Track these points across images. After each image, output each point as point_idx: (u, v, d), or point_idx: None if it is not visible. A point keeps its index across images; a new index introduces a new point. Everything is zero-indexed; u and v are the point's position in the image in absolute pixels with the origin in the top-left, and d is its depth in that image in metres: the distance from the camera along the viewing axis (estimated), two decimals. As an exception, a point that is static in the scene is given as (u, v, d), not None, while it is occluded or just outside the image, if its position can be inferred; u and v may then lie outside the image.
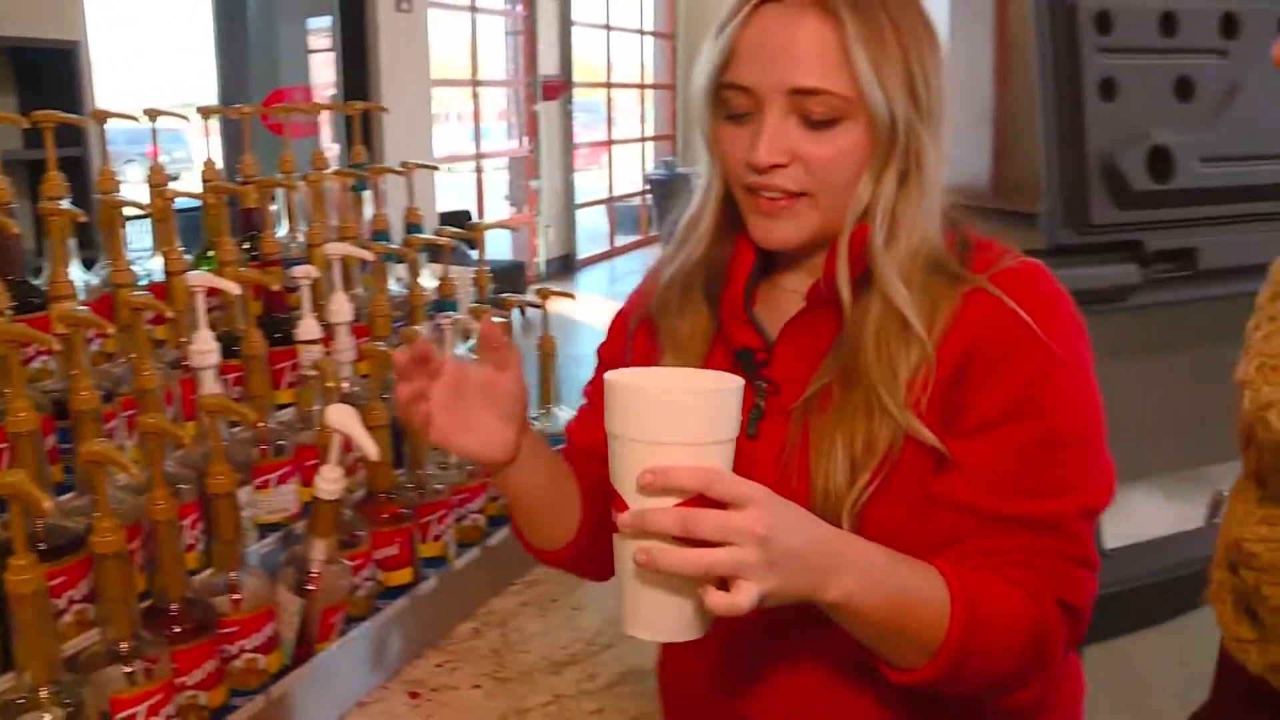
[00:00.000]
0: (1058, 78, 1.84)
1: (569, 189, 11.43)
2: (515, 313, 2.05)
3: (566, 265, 11.58)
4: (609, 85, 12.58)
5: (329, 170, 1.93)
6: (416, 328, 1.79)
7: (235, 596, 1.31)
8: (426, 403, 1.04)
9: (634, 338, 1.26)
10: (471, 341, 1.87)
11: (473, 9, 9.44)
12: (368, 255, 1.71)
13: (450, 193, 10.13)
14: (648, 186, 12.80)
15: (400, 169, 2.00)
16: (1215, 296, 2.07)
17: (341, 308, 1.64)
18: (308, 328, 1.58)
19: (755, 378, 1.14)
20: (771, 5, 1.06)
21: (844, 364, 1.09)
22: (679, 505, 0.88)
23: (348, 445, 1.33)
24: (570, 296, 1.89)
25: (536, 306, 1.87)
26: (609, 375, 0.94)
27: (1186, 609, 2.11)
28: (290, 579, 1.39)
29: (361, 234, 1.94)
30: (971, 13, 2.03)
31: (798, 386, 1.12)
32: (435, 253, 1.98)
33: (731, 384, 0.92)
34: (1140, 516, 2.25)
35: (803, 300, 1.13)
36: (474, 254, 2.10)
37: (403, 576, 1.57)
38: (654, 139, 13.63)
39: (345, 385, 1.66)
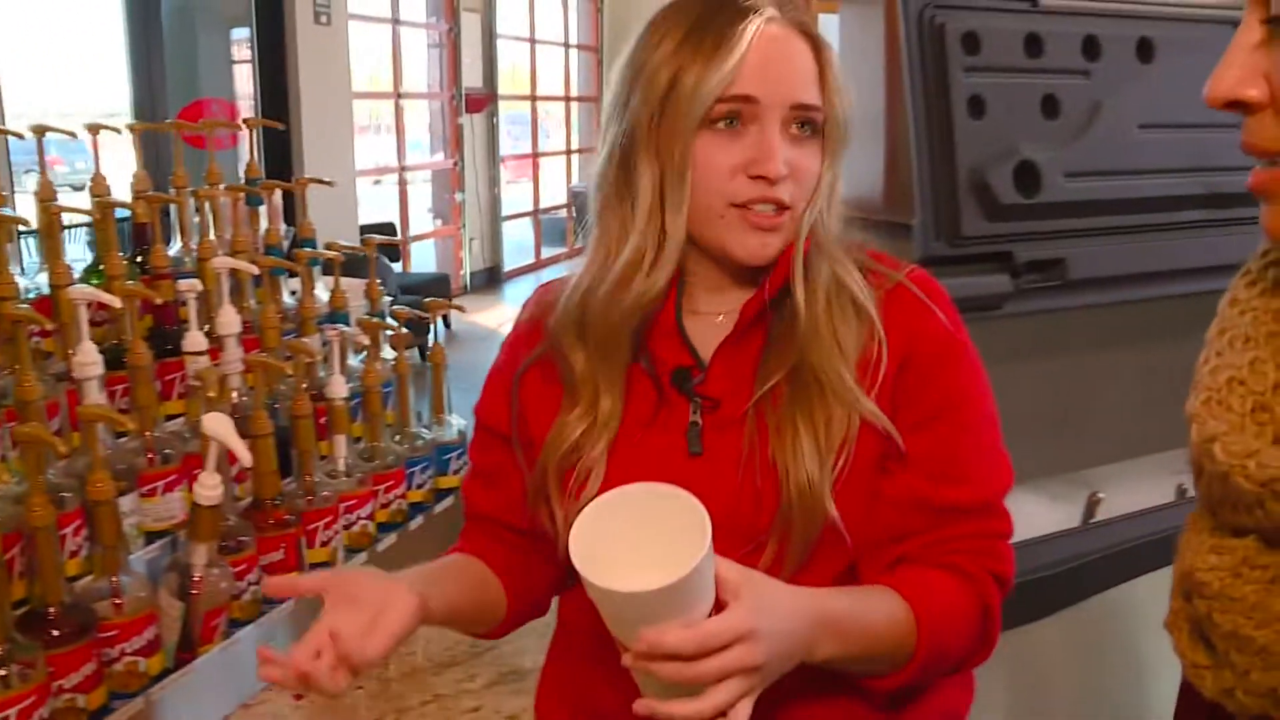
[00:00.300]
0: (928, 96, 1.92)
1: (494, 202, 11.45)
2: (440, 322, 2.07)
3: (492, 277, 11.60)
4: (534, 98, 12.62)
5: (221, 185, 1.96)
6: (305, 341, 1.83)
7: (117, 601, 1.35)
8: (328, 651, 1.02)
9: (521, 383, 1.26)
10: (362, 355, 1.91)
11: (395, 22, 9.45)
12: (253, 269, 1.75)
13: (377, 205, 10.13)
14: (573, 199, 12.87)
15: (293, 184, 2.04)
16: (1084, 305, 2.16)
17: (229, 320, 1.68)
18: (194, 340, 1.62)
19: (693, 395, 1.18)
20: (768, 24, 1.12)
21: (792, 359, 1.15)
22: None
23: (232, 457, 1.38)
24: (459, 309, 1.94)
25: (424, 318, 1.92)
26: (581, 564, 0.95)
27: (1065, 604, 2.19)
28: (173, 583, 1.43)
29: (255, 247, 1.97)
30: (863, 33, 2.10)
31: (736, 399, 1.17)
32: (354, 265, 2.02)
33: (701, 534, 0.94)
34: (1019, 517, 2.33)
35: (721, 322, 1.19)
36: (396, 266, 2.14)
37: (264, 589, 1.61)
38: (580, 152, 13.69)
39: (234, 395, 1.70)
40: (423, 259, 10.67)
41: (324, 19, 6.75)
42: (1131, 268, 2.17)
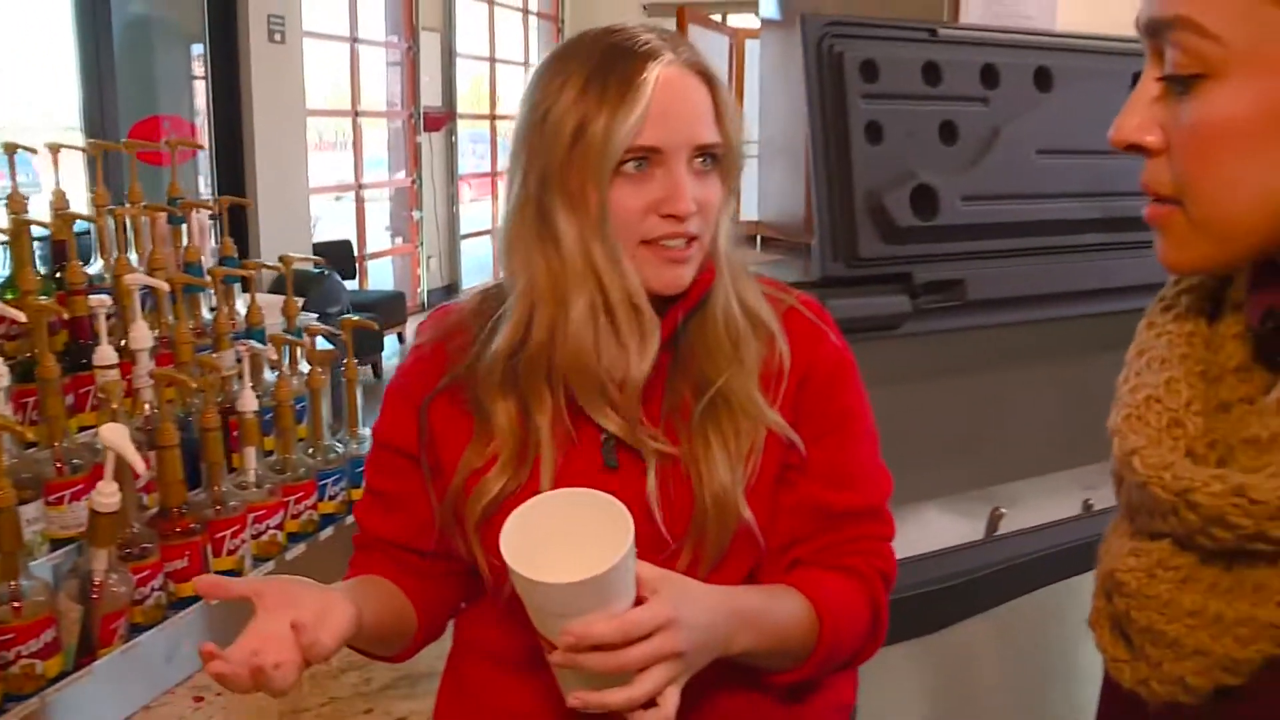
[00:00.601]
0: (825, 122, 1.99)
1: (453, 220, 11.49)
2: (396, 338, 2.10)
3: (450, 295, 11.63)
4: (493, 117, 12.68)
5: (142, 204, 2.01)
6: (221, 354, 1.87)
7: (15, 604, 1.39)
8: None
9: (430, 412, 1.27)
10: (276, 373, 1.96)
11: (353, 40, 9.49)
12: (165, 286, 1.79)
13: (340, 222, 10.15)
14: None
15: (210, 204, 2.09)
16: (985, 326, 2.24)
17: (141, 335, 1.73)
18: (103, 354, 1.66)
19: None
20: (666, 69, 1.15)
21: (698, 375, 1.22)
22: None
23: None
24: (371, 326, 1.99)
25: (334, 335, 1.97)
26: (511, 560, 0.99)
27: (970, 613, 2.25)
28: (73, 588, 1.47)
29: (178, 264, 2.02)
30: (785, 63, 2.18)
31: (648, 415, 1.21)
32: (304, 282, 2.08)
33: (624, 531, 1.00)
34: (928, 531, 2.41)
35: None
36: (351, 284, 2.19)
37: (194, 588, 1.66)
38: (540, 170, 13.73)
39: (147, 408, 1.75)
40: (381, 277, 10.70)
41: (278, 36, 6.79)
42: (1030, 289, 2.25)
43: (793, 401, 1.24)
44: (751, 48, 3.40)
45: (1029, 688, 2.25)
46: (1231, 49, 0.70)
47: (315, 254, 7.70)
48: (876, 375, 2.29)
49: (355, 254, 9.20)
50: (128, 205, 2.01)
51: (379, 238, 10.99)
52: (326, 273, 6.89)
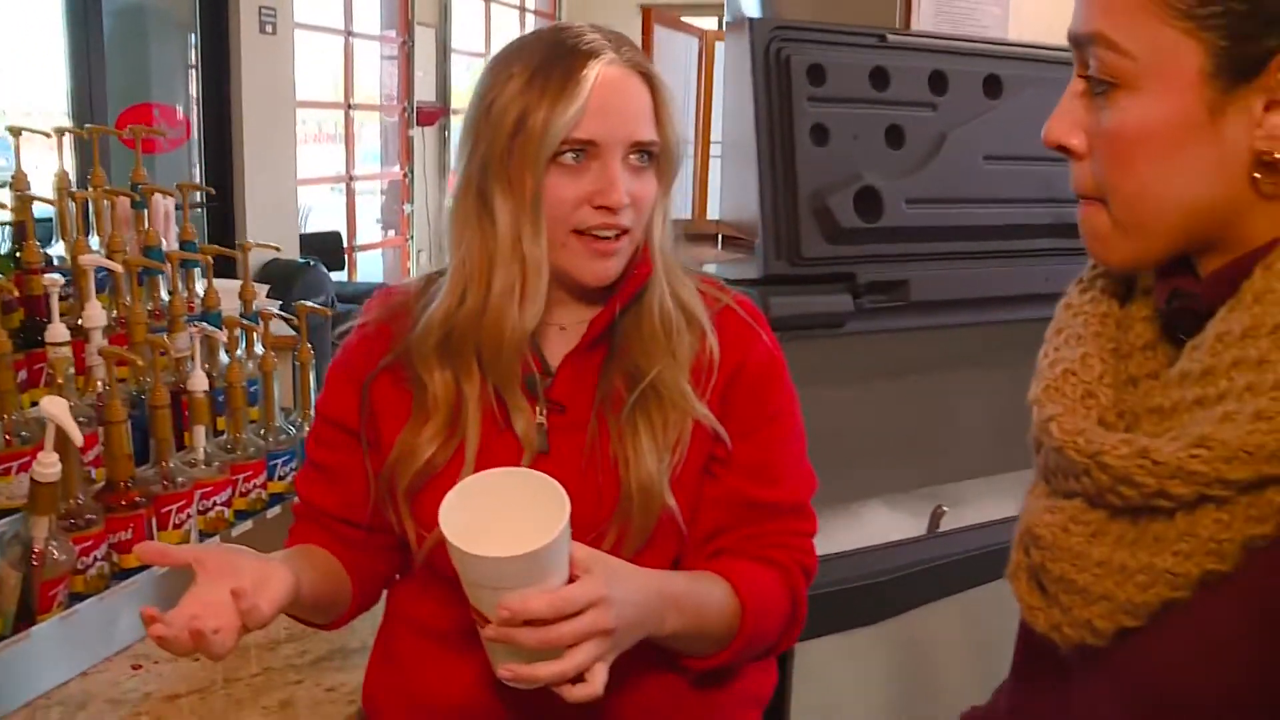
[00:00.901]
0: (771, 124, 2.04)
1: (443, 214, 11.51)
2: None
3: (440, 289, 11.65)
4: (489, 113, 12.71)
5: (104, 188, 2.05)
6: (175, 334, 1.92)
7: (-44, 570, 1.44)
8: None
9: (372, 389, 1.32)
10: (239, 351, 2.01)
11: (347, 33, 9.52)
12: (118, 268, 1.84)
13: (329, 213, 10.18)
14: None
15: (173, 192, 2.13)
16: (929, 327, 2.29)
17: (94, 314, 1.77)
18: (55, 331, 1.71)
19: (541, 399, 1.28)
20: (608, 67, 1.21)
21: (631, 366, 1.27)
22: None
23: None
24: (325, 312, 2.04)
25: (288, 318, 2.01)
26: (450, 534, 1.03)
27: (911, 606, 2.29)
28: (15, 555, 1.52)
29: (131, 247, 2.06)
30: (734, 64, 2.22)
31: (580, 403, 1.28)
32: (292, 272, 2.11)
33: (560, 510, 1.04)
34: (872, 526, 2.46)
35: (565, 332, 1.31)
36: (340, 275, 2.24)
37: (137, 559, 1.70)
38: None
39: (100, 385, 1.79)
40: (371, 269, 10.73)
41: (269, 28, 6.82)
42: (975, 292, 2.30)
43: (721, 396, 1.30)
44: (721, 50, 3.44)
45: (966, 677, 2.30)
46: (1141, 64, 0.78)
47: (304, 245, 7.76)
48: (820, 373, 2.35)
49: (345, 245, 9.23)
50: (90, 189, 2.06)
51: (370, 230, 11.01)
52: (312, 263, 6.93)
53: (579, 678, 1.07)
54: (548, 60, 1.21)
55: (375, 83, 10.66)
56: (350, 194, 9.95)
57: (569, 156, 1.20)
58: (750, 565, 1.30)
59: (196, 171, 6.69)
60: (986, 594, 2.26)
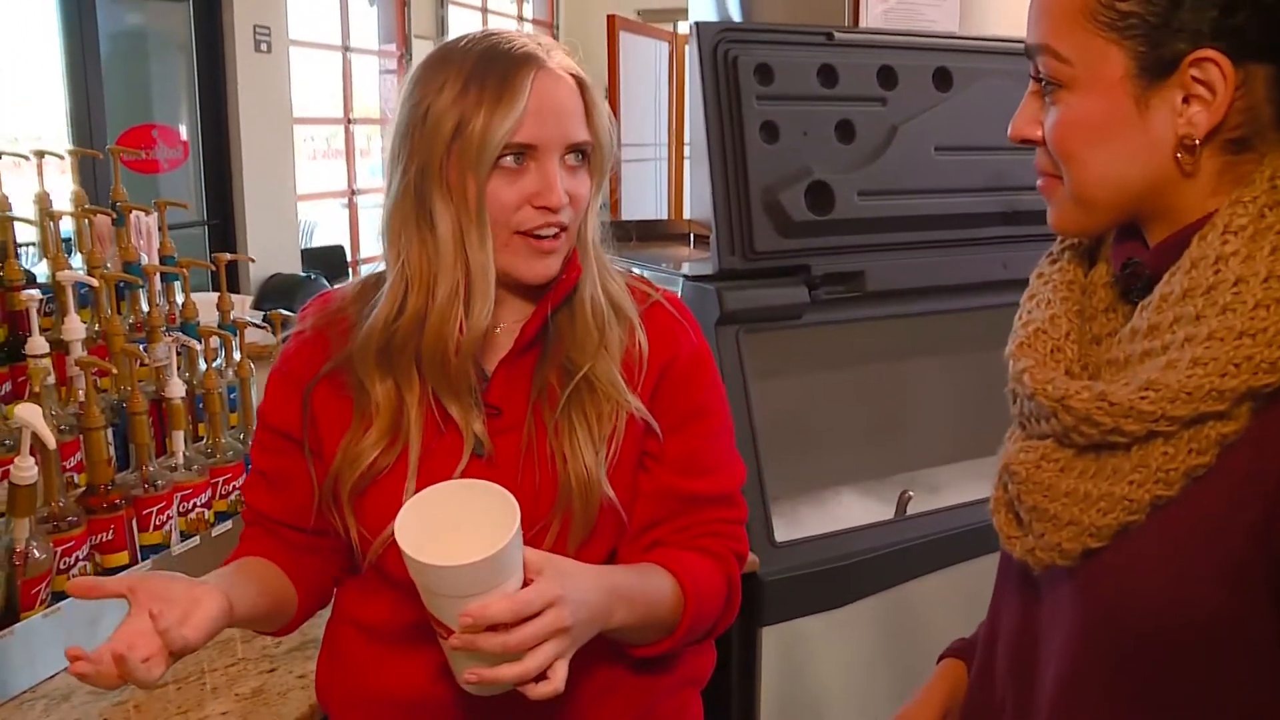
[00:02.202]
0: (721, 123, 2.11)
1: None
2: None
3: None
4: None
5: (85, 206, 2.14)
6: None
7: (-59, 570, 1.52)
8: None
9: (313, 397, 1.34)
10: (215, 363, 2.09)
11: (345, 49, 9.62)
12: (94, 282, 1.92)
13: (335, 228, 10.27)
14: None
15: (150, 209, 2.21)
16: (885, 316, 2.35)
17: (73, 327, 1.85)
18: (34, 344, 1.79)
19: (478, 404, 1.31)
20: (541, 71, 1.24)
21: (563, 362, 1.30)
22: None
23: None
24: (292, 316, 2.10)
25: (263, 327, 2.09)
26: (406, 547, 1.07)
27: (881, 587, 2.35)
28: (-1, 556, 1.60)
29: (113, 262, 2.15)
30: (693, 66, 2.29)
31: (515, 404, 1.31)
32: (292, 286, 2.18)
33: (511, 516, 1.08)
34: (840, 510, 2.52)
35: (499, 334, 1.33)
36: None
37: (119, 559, 1.78)
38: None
39: (80, 394, 1.88)
40: (374, 279, 10.81)
41: (264, 46, 6.92)
42: (930, 280, 2.36)
43: (653, 391, 1.34)
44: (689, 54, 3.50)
45: (935, 656, 2.38)
46: (1078, 68, 0.93)
47: (308, 260, 7.85)
48: (781, 364, 2.42)
49: (349, 259, 9.33)
50: (72, 208, 2.14)
51: (374, 243, 11.10)
52: (314, 277, 7.02)
53: (541, 676, 1.11)
54: (482, 67, 1.23)
55: (375, 97, 10.76)
56: (353, 208, 10.03)
57: (509, 160, 1.23)
58: (690, 555, 1.34)
59: (197, 191, 6.80)
60: (954, 574, 2.33)
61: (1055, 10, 0.95)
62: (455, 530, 1.11)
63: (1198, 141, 0.91)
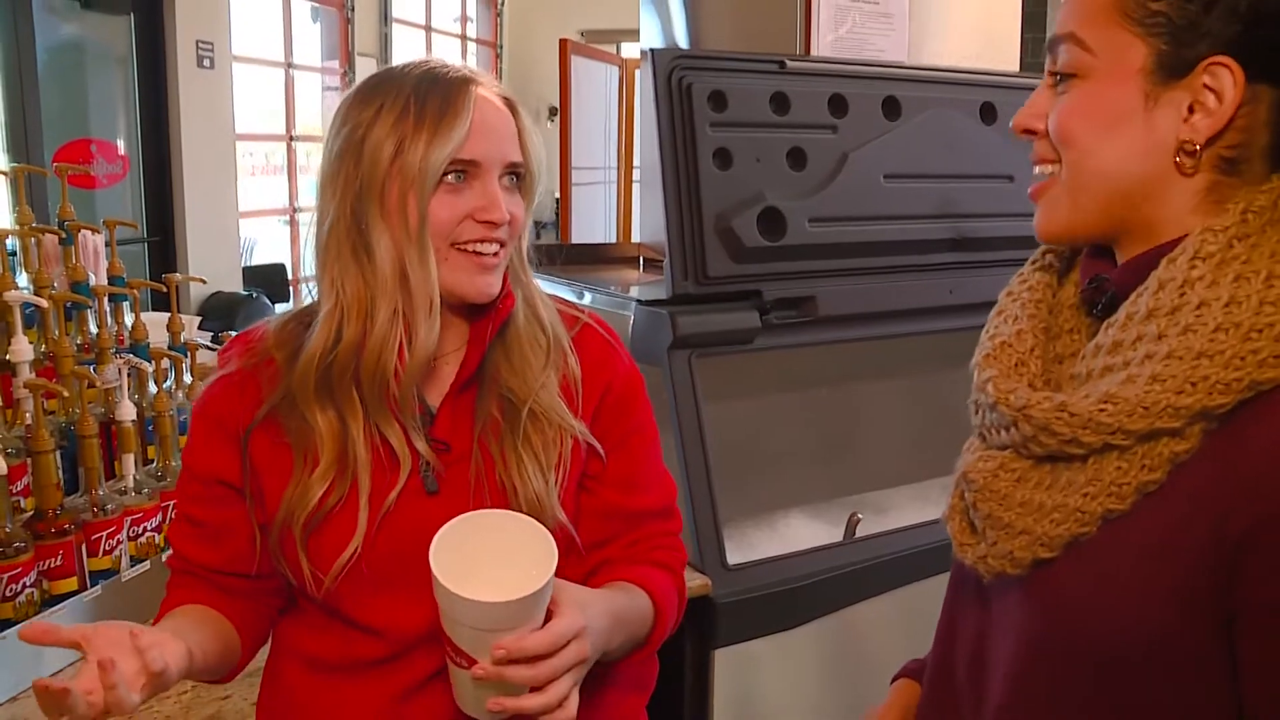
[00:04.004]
0: (675, 149, 2.12)
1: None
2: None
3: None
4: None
5: (30, 225, 2.11)
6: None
7: (-114, 597, 1.50)
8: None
9: (251, 442, 1.31)
10: (165, 384, 2.07)
11: (288, 65, 9.57)
12: (43, 303, 1.90)
13: (276, 245, 10.19)
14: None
15: (99, 229, 2.19)
16: (836, 341, 2.37)
17: (20, 349, 1.83)
18: (-20, 365, 1.77)
19: (426, 440, 1.30)
20: (481, 91, 1.28)
21: (504, 390, 1.32)
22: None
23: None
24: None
25: (214, 349, 2.08)
26: (441, 576, 1.08)
27: (832, 609, 2.37)
28: (-56, 584, 1.58)
29: (60, 282, 2.12)
30: (648, 94, 2.30)
31: (461, 437, 1.31)
32: (233, 304, 2.16)
33: (548, 554, 1.12)
34: (789, 533, 2.54)
35: (441, 365, 1.33)
36: (285, 306, 2.29)
37: (68, 585, 1.76)
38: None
39: (27, 416, 1.85)
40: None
41: (207, 62, 6.86)
42: (880, 306, 2.39)
43: (593, 414, 1.38)
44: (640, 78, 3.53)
45: (885, 675, 2.40)
46: (1099, 58, 0.97)
47: (248, 278, 7.79)
48: (732, 388, 2.44)
49: (289, 277, 9.26)
50: (16, 226, 2.12)
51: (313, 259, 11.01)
52: (255, 295, 6.97)
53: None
54: (422, 89, 1.25)
55: (318, 114, 10.70)
56: (294, 225, 9.95)
57: (452, 177, 1.25)
58: (652, 571, 1.40)
59: (137, 207, 6.72)
60: (903, 595, 2.35)
61: (1089, 3, 0.98)
62: (485, 560, 1.12)
63: (1199, 147, 0.95)
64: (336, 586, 1.28)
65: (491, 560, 1.13)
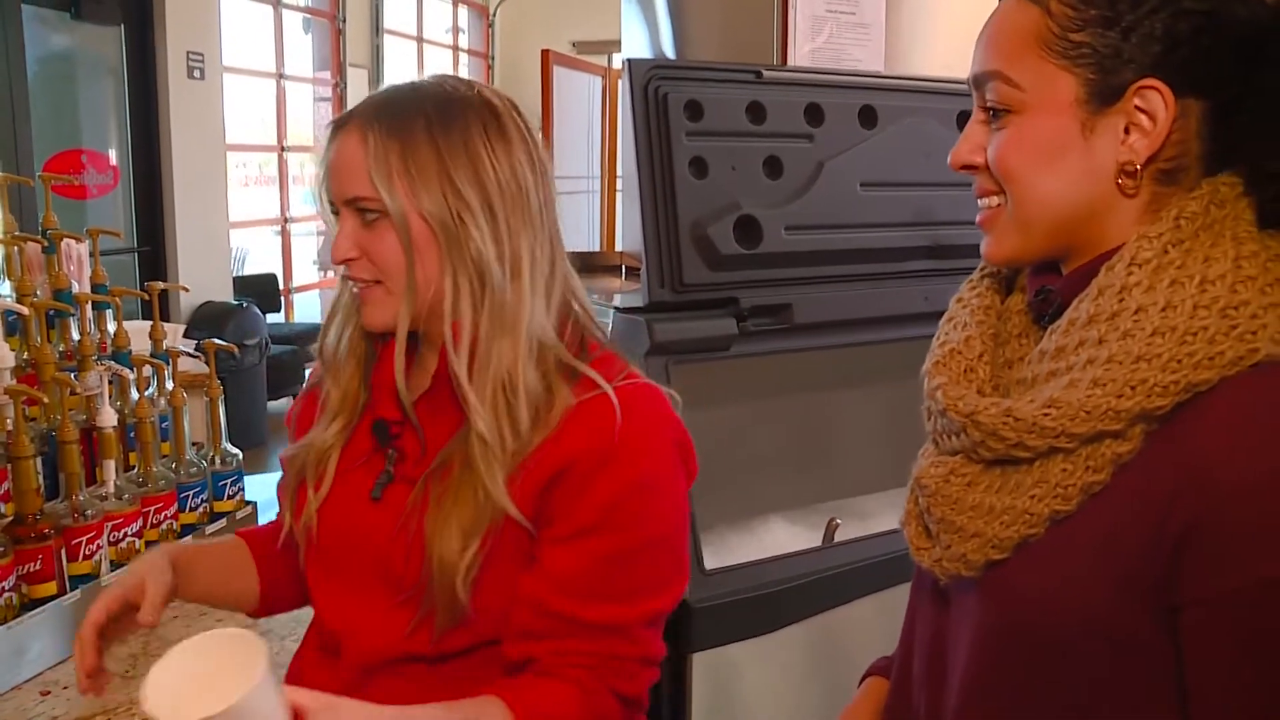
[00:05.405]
0: (652, 158, 2.14)
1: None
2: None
3: (380, 327, 11.66)
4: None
5: (14, 233, 2.14)
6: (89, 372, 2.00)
7: None
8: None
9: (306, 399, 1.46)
10: (147, 391, 2.10)
11: (280, 76, 9.60)
12: (24, 310, 1.92)
13: (268, 255, 10.22)
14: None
15: (82, 238, 2.21)
16: (812, 348, 2.39)
17: (1, 355, 1.85)
18: (-43, 372, 1.79)
19: (388, 446, 1.33)
20: (341, 131, 1.27)
21: (466, 444, 1.25)
22: None
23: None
24: (231, 349, 2.12)
25: (196, 356, 2.10)
26: (152, 709, 0.98)
27: (811, 613, 2.38)
28: (-76, 588, 1.59)
29: (43, 290, 2.14)
30: (627, 103, 2.32)
31: (421, 463, 1.30)
32: (224, 315, 2.18)
33: (256, 663, 0.98)
34: (770, 538, 2.55)
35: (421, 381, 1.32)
36: (277, 316, 2.31)
37: (47, 589, 1.77)
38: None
39: (8, 423, 1.87)
40: (309, 310, 10.77)
41: (197, 73, 6.89)
42: (856, 313, 2.41)
43: (542, 488, 1.24)
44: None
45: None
46: (1029, 93, 0.99)
47: (240, 287, 7.81)
48: (710, 395, 2.46)
49: (280, 287, 9.28)
50: (1, 234, 2.14)
51: (307, 271, 11.05)
52: (245, 304, 6.99)
53: None
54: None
55: (309, 125, 10.73)
56: (286, 236, 9.98)
57: (336, 216, 1.30)
58: (548, 684, 1.24)
59: (128, 217, 6.75)
60: (881, 599, 2.37)
61: (1008, 40, 1.01)
62: (213, 685, 1.00)
63: (1139, 167, 0.98)
64: (304, 556, 1.37)
65: (222, 683, 1.00)
